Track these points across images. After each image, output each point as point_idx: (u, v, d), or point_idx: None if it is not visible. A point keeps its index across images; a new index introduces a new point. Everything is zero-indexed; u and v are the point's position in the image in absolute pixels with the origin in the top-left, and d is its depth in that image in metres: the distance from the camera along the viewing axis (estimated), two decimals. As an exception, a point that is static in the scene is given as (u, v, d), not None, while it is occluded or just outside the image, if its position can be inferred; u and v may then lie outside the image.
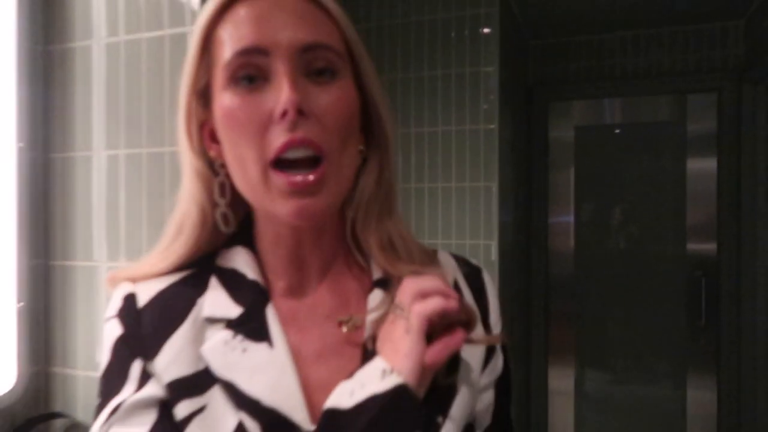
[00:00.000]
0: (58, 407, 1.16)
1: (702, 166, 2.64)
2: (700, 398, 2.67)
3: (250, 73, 0.52)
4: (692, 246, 2.68)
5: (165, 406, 0.54)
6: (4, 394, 1.07)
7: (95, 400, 1.14)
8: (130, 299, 0.58)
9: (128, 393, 0.55)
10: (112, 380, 0.56)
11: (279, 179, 0.52)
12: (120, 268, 1.09)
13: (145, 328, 0.56)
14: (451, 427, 0.56)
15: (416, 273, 0.57)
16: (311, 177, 0.51)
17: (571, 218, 2.89)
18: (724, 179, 2.58)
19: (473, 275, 0.65)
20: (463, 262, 0.67)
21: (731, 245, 2.55)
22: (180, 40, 1.04)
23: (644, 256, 2.81)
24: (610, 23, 2.59)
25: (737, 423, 2.55)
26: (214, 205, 0.58)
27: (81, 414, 1.14)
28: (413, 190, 2.08)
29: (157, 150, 1.07)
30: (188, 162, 0.58)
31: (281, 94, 0.50)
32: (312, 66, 0.53)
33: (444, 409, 0.56)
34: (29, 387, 1.12)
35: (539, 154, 2.84)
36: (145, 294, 0.58)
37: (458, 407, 0.57)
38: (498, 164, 1.98)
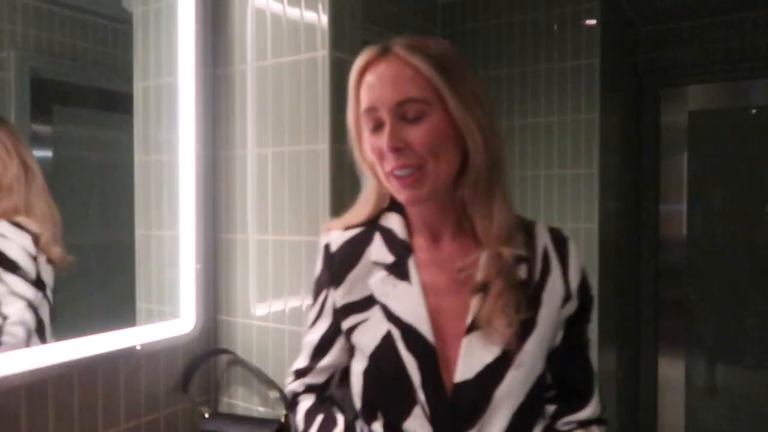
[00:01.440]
0: (222, 346, 1.52)
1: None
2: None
3: (374, 123, 0.83)
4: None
5: (336, 319, 0.91)
6: (187, 333, 1.44)
7: (251, 341, 1.52)
8: (327, 247, 0.94)
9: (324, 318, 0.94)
10: (315, 293, 0.96)
11: (394, 182, 0.83)
12: (267, 240, 1.41)
13: (336, 265, 0.92)
14: (529, 351, 0.81)
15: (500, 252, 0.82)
16: (409, 180, 0.81)
17: (684, 205, 2.85)
18: None
19: (560, 243, 0.89)
20: (555, 233, 0.90)
21: None
22: (312, 64, 1.32)
23: (760, 244, 2.72)
24: (723, 6, 2.53)
25: None
26: (382, 189, 0.90)
27: (240, 351, 1.48)
28: (517, 177, 2.24)
29: (296, 149, 1.36)
30: (361, 163, 0.91)
31: (386, 138, 0.80)
32: (406, 114, 0.80)
33: (523, 338, 0.81)
34: (203, 329, 1.48)
35: (650, 140, 2.84)
36: (336, 243, 0.93)
37: (535, 338, 0.82)
38: (599, 152, 2.08)
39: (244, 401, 1.48)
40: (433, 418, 0.79)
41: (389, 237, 0.89)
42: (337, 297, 0.90)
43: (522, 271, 0.84)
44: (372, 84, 0.81)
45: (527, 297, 0.83)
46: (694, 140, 2.79)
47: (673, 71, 2.72)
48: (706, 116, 2.78)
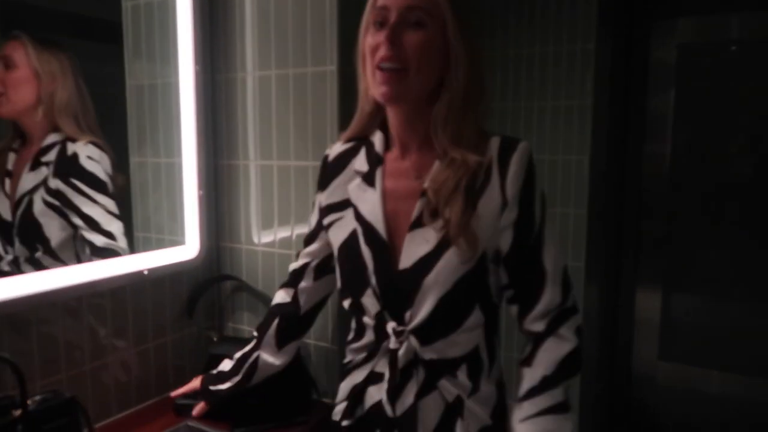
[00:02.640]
0: (227, 272, 1.52)
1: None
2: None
3: (380, 19, 0.91)
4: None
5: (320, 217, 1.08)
6: (192, 259, 1.44)
7: (256, 267, 1.53)
8: (326, 157, 1.10)
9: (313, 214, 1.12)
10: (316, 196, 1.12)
11: (378, 75, 0.91)
12: (272, 165, 1.40)
13: (328, 172, 1.08)
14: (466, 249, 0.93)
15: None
16: (391, 76, 0.90)
17: (669, 142, 2.90)
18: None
19: (506, 154, 0.95)
20: (505, 144, 0.96)
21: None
22: None
23: (745, 183, 2.80)
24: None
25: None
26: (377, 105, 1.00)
27: (245, 277, 1.49)
28: (511, 108, 2.23)
29: (302, 71, 1.33)
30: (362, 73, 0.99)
31: (386, 32, 0.90)
32: (410, 18, 0.90)
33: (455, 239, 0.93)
34: (207, 256, 1.48)
35: (639, 76, 2.85)
36: (333, 154, 1.09)
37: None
38: (593, 83, 2.09)
39: (250, 326, 1.50)
40: (381, 297, 0.97)
41: (369, 150, 1.03)
42: (323, 199, 1.08)
43: (467, 180, 0.93)
44: None
45: (465, 203, 0.92)
46: (681, 76, 2.80)
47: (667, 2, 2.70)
48: (696, 49, 2.79)
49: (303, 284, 1.15)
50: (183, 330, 1.45)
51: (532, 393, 0.96)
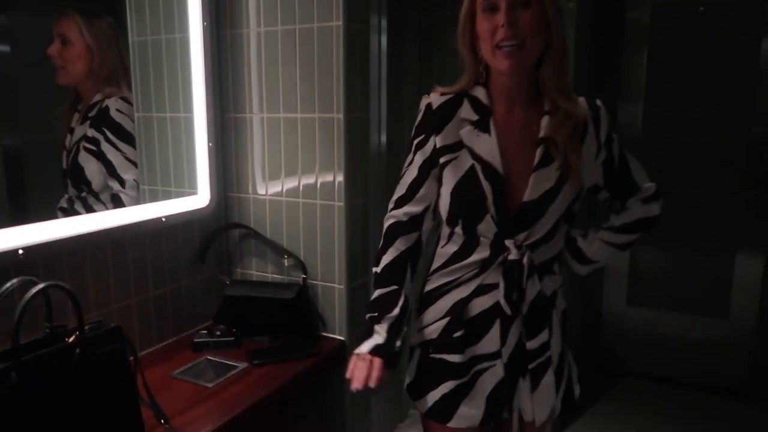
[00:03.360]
0: (235, 221, 1.61)
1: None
2: (747, 269, 2.93)
3: (490, 6, 1.11)
4: (757, 127, 2.83)
5: (433, 156, 1.22)
6: (203, 208, 1.52)
7: (264, 216, 1.63)
8: (429, 105, 1.23)
9: (422, 153, 1.24)
10: (418, 139, 1.24)
11: (499, 53, 1.11)
12: (279, 118, 1.47)
13: (437, 118, 1.22)
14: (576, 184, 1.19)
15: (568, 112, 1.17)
16: (512, 51, 1.10)
17: (641, 102, 3.05)
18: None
19: (594, 110, 1.23)
20: (591, 103, 1.24)
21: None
22: None
23: (711, 136, 2.97)
24: None
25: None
26: (477, 70, 1.20)
27: (253, 225, 1.58)
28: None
29: (308, 26, 1.39)
30: (464, 51, 1.19)
31: (502, 16, 1.09)
32: (519, 1, 1.09)
33: (569, 175, 1.18)
34: (217, 206, 1.56)
35: (614, 36, 2.96)
36: (435, 103, 1.23)
37: (575, 175, 1.19)
38: (573, 42, 2.18)
39: (259, 271, 1.60)
40: (499, 224, 1.18)
41: (475, 102, 1.21)
42: (438, 140, 1.22)
43: (571, 128, 1.18)
44: None
45: (577, 149, 1.18)
46: (655, 36, 2.93)
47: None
48: (670, 9, 2.91)
49: (425, 227, 1.27)
50: (195, 276, 1.54)
51: (612, 229, 1.30)
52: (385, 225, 1.27)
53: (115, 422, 0.98)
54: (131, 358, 1.02)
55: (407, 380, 1.30)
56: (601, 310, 3.29)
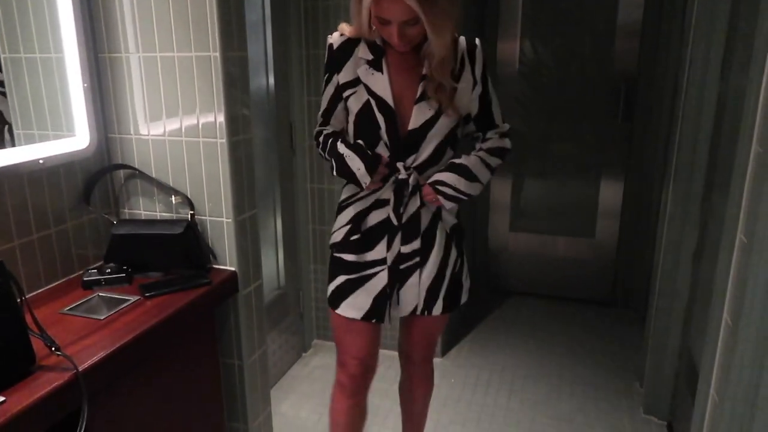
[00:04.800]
0: (118, 162, 1.62)
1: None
2: (610, 195, 3.29)
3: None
4: (618, 64, 3.11)
5: (338, 91, 1.49)
6: (83, 149, 1.51)
7: (148, 156, 1.67)
8: (332, 45, 1.48)
9: (331, 87, 1.51)
10: (326, 76, 1.51)
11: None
12: (155, 57, 1.48)
13: (338, 57, 1.47)
14: (453, 114, 1.46)
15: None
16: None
17: (517, 41, 3.25)
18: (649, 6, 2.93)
19: (471, 49, 1.49)
20: (469, 42, 1.49)
21: (649, 62, 2.99)
22: None
23: (579, 71, 3.24)
24: None
25: (636, 214, 3.19)
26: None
27: (137, 165, 1.60)
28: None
29: (178, -37, 1.40)
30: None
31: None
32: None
33: (445, 107, 1.45)
34: (98, 147, 1.56)
35: (493, -24, 3.10)
36: (336, 43, 1.48)
37: (452, 108, 1.46)
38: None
39: (147, 210, 1.64)
40: (391, 149, 1.45)
41: (371, 44, 1.45)
42: (340, 77, 1.47)
43: (450, 68, 1.43)
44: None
45: (452, 84, 1.44)
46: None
47: None
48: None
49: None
50: (81, 217, 1.55)
51: (484, 149, 1.55)
52: (315, 134, 1.57)
53: (3, 353, 1.02)
54: (18, 299, 1.06)
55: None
56: (488, 236, 3.58)
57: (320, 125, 1.57)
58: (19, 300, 1.06)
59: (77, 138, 1.50)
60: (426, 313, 1.57)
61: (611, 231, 3.34)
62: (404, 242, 1.50)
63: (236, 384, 1.67)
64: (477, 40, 1.49)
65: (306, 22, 2.53)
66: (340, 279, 1.55)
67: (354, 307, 1.54)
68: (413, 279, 1.53)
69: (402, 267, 1.52)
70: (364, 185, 1.45)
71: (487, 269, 3.60)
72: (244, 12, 1.52)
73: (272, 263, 2.63)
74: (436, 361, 2.83)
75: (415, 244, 1.51)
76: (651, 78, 2.99)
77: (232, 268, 1.58)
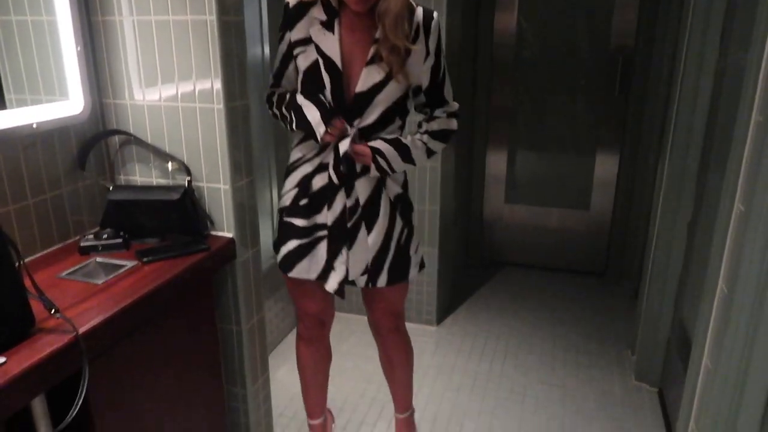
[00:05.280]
0: (113, 127, 1.60)
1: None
2: (605, 168, 3.30)
3: None
4: (615, 37, 3.08)
5: (290, 49, 1.49)
6: (78, 114, 1.49)
7: (143, 122, 1.66)
8: (287, 5, 1.46)
9: (284, 44, 1.50)
10: (280, 35, 1.50)
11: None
12: (150, 20, 1.45)
13: (292, 16, 1.45)
14: (403, 80, 1.45)
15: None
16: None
17: (514, 14, 3.20)
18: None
19: (428, 20, 1.46)
20: (426, 13, 1.46)
21: (646, 36, 2.96)
22: None
23: (574, 44, 3.21)
24: None
25: (631, 187, 3.20)
26: None
27: (133, 131, 1.58)
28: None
29: None
30: None
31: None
32: None
33: (396, 73, 1.44)
34: (93, 112, 1.54)
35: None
36: (292, 2, 1.46)
37: (402, 74, 1.45)
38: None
39: (143, 176, 1.63)
40: (335, 109, 1.43)
41: (326, 5, 1.44)
42: (292, 36, 1.47)
43: (404, 35, 1.40)
44: None
45: (404, 51, 1.42)
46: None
47: None
48: None
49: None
50: (77, 182, 1.54)
51: (428, 133, 1.56)
52: (266, 96, 1.59)
53: (2, 314, 1.02)
54: (16, 263, 1.05)
55: (273, 238, 1.66)
56: (483, 208, 3.59)
57: (271, 86, 1.57)
58: (17, 264, 1.06)
59: (71, 102, 1.48)
60: (370, 285, 1.59)
61: (606, 203, 3.36)
62: (348, 196, 1.51)
63: (234, 349, 1.68)
64: (435, 14, 1.47)
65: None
66: (292, 243, 1.57)
67: (307, 270, 1.58)
68: (361, 237, 1.54)
69: (349, 225, 1.52)
70: (318, 135, 1.44)
71: (482, 240, 3.62)
72: (240, -26, 1.49)
73: (268, 233, 2.63)
74: (431, 329, 2.86)
75: (360, 199, 1.52)
76: (648, 50, 2.97)
77: (230, 235, 1.58)
